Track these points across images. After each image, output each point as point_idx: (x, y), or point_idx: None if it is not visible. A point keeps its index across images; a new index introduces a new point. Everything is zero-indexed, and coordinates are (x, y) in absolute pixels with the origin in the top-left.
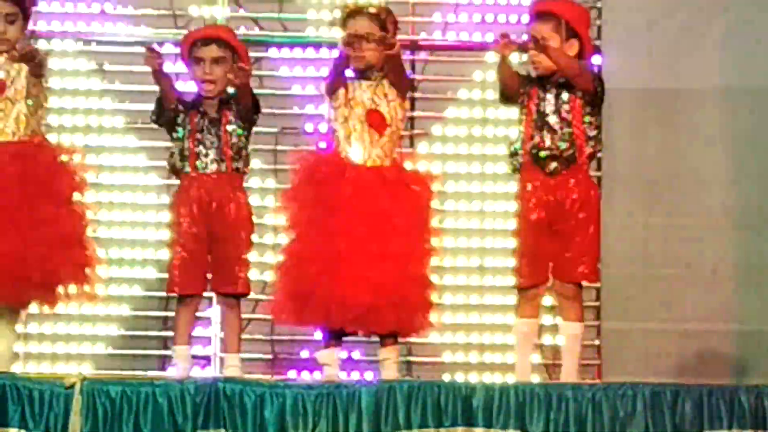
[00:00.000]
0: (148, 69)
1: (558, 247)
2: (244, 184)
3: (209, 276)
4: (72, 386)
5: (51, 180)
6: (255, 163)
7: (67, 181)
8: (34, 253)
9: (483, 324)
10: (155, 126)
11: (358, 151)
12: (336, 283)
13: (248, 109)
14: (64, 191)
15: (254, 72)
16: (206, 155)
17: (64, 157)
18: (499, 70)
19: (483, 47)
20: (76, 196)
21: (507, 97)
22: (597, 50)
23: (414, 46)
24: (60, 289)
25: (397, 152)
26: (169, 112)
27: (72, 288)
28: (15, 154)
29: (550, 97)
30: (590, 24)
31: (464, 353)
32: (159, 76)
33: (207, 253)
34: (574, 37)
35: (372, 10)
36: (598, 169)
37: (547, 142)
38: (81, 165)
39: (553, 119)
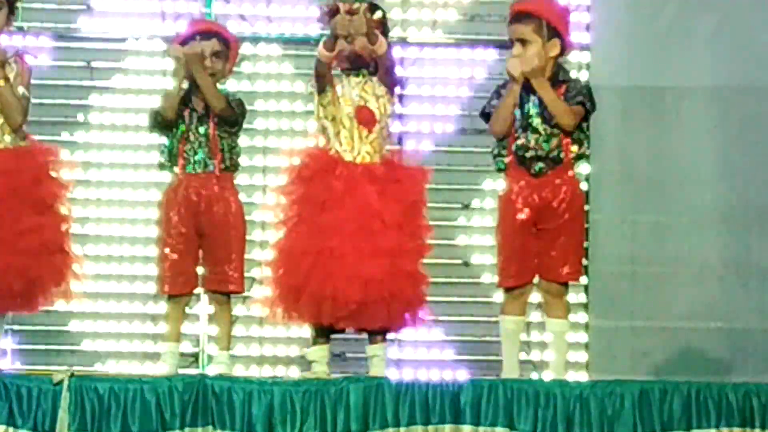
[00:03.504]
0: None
1: (543, 246)
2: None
3: (199, 274)
4: (60, 383)
5: (35, 189)
6: (243, 160)
7: (51, 189)
8: (18, 263)
9: (468, 321)
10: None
11: (348, 148)
12: (327, 279)
13: (224, 117)
14: (48, 199)
15: (243, 69)
16: (195, 154)
17: (48, 162)
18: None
19: (472, 45)
20: (59, 202)
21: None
22: (585, 48)
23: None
24: (41, 295)
25: (387, 148)
26: (172, 120)
27: (52, 292)
28: (0, 163)
29: (533, 97)
30: (569, 21)
31: (451, 350)
32: (187, 79)
33: (197, 251)
34: (556, 36)
35: (359, 5)
36: (586, 166)
37: (532, 143)
38: (64, 169)
39: (536, 121)
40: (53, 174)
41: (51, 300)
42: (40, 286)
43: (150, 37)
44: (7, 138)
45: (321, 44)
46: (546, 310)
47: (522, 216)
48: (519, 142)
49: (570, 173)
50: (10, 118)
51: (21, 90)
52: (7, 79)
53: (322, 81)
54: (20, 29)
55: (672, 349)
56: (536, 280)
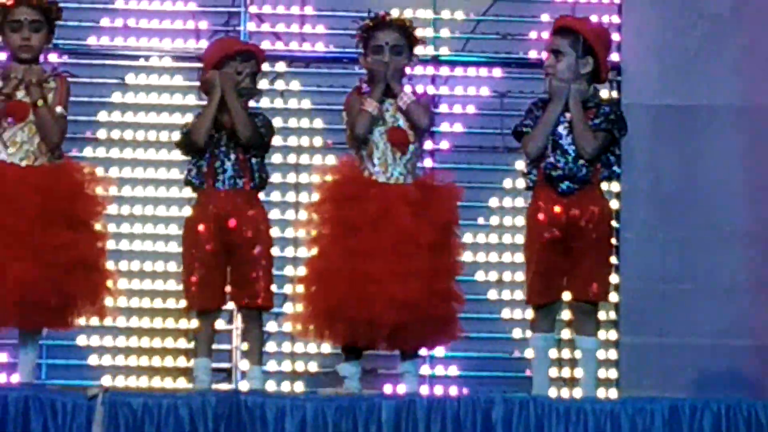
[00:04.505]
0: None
1: (571, 265)
2: (266, 198)
3: (228, 289)
4: (94, 398)
5: (71, 205)
6: (276, 177)
7: (87, 206)
8: (54, 278)
9: (500, 338)
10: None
11: (381, 169)
12: (362, 303)
13: (248, 141)
14: (83, 216)
15: (275, 87)
16: (224, 172)
17: (84, 179)
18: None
19: (503, 63)
20: (94, 220)
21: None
22: (616, 67)
23: (434, 61)
24: (75, 312)
25: (419, 167)
26: (202, 146)
27: (86, 309)
28: (37, 180)
29: (563, 118)
30: (610, 46)
31: (482, 367)
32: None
33: (225, 268)
34: (591, 55)
35: (401, 22)
36: (617, 185)
37: (561, 163)
38: (101, 187)
39: (566, 141)
40: (89, 191)
41: (86, 317)
42: (74, 302)
43: (178, 55)
44: (44, 156)
45: (368, 102)
46: (576, 327)
47: (549, 235)
48: (548, 160)
49: (598, 192)
50: (47, 138)
51: (59, 109)
52: (45, 99)
53: (367, 134)
54: (56, 47)
55: (702, 367)
56: (566, 296)
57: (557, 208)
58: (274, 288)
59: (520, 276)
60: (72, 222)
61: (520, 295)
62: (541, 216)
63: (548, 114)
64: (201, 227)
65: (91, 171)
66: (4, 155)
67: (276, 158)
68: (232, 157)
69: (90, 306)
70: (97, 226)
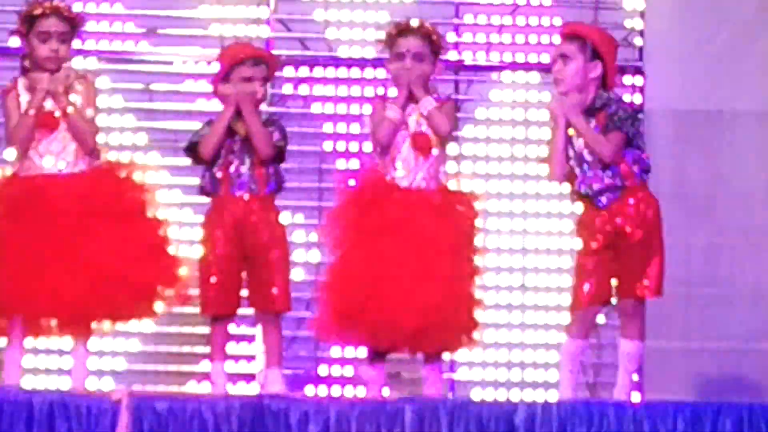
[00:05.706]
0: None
1: (620, 266)
2: (287, 203)
3: (244, 294)
4: (119, 401)
5: (118, 203)
6: (299, 181)
7: (135, 198)
8: (116, 274)
9: (525, 342)
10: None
11: (404, 173)
12: (383, 307)
13: (268, 158)
14: (134, 208)
15: (298, 91)
16: (239, 177)
17: (127, 174)
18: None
19: (526, 68)
20: (147, 209)
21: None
22: (639, 71)
23: (458, 67)
24: (150, 301)
25: (442, 172)
26: (208, 161)
27: (164, 296)
28: (78, 185)
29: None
30: (617, 53)
31: (506, 371)
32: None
33: (240, 272)
34: (599, 60)
35: (425, 29)
36: None
37: (590, 176)
38: (145, 178)
39: (588, 155)
40: (134, 184)
41: (168, 304)
42: (151, 290)
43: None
44: (82, 162)
45: (391, 108)
46: (621, 330)
47: (595, 244)
48: (579, 179)
49: (639, 194)
50: (83, 143)
51: (90, 112)
52: (74, 105)
53: (389, 141)
54: (80, 52)
55: (725, 371)
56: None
57: (600, 222)
58: (295, 292)
59: (544, 280)
60: (123, 217)
61: (543, 299)
62: (587, 225)
63: (552, 139)
64: (216, 232)
65: (131, 164)
66: (43, 167)
67: (299, 162)
68: (247, 162)
69: (167, 292)
70: (154, 215)
